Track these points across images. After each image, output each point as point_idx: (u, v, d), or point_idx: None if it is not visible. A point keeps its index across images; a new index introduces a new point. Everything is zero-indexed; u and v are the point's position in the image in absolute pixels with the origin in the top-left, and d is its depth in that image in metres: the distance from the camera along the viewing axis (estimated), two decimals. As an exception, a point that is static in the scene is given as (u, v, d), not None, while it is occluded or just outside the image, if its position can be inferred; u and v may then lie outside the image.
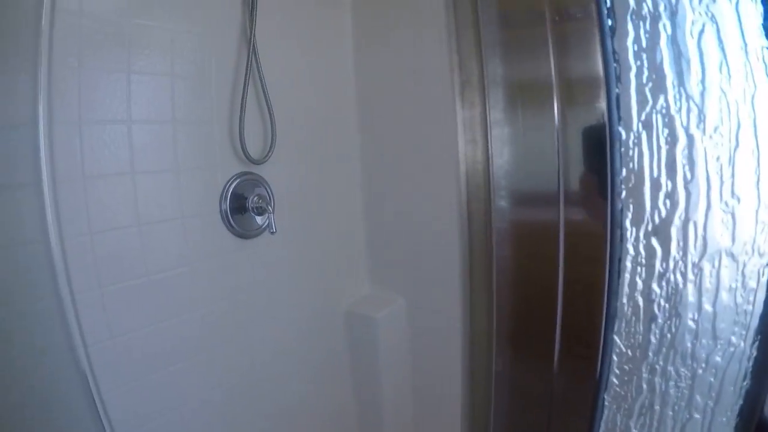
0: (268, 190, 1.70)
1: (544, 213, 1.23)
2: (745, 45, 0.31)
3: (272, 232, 1.58)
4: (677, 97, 0.33)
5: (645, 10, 0.32)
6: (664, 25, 0.32)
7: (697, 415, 0.37)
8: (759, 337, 0.36)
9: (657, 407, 0.40)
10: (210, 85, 1.52)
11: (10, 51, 1.07)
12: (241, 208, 1.61)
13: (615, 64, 0.34)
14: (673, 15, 0.32)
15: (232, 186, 1.58)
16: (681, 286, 0.36)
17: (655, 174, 0.34)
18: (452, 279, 1.89)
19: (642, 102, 0.33)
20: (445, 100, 1.77)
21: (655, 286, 0.37)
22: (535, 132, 1.32)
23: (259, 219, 1.67)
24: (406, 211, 2.03)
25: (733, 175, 0.33)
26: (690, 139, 0.33)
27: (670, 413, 0.40)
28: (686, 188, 0.33)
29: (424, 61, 1.85)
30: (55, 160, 1.17)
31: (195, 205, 1.50)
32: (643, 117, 0.33)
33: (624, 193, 0.35)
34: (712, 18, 0.30)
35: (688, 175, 0.33)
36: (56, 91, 1.17)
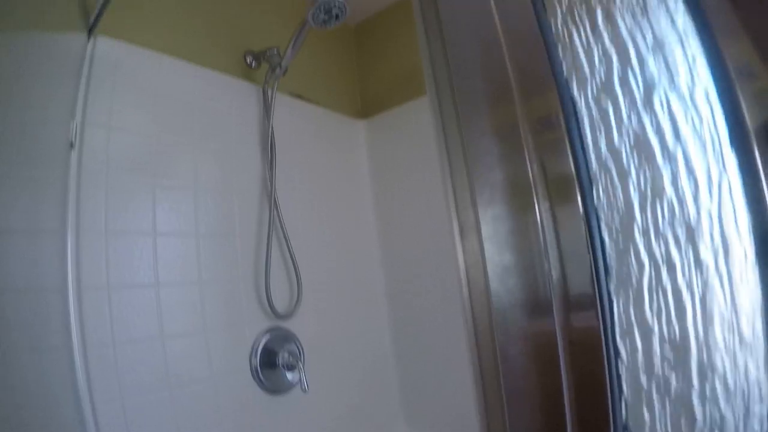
0: (298, 345, 1.65)
1: (540, 324, 1.19)
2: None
3: (304, 391, 1.49)
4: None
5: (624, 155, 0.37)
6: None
7: None
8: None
9: None
10: (234, 242, 1.56)
11: (39, 170, 1.08)
12: (272, 363, 1.55)
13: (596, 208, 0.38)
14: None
15: (262, 342, 1.54)
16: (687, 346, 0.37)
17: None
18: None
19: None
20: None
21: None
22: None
23: (289, 375, 1.59)
24: (435, 345, 1.96)
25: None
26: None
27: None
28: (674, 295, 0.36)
29: (432, 197, 1.94)
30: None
31: (225, 362, 1.45)
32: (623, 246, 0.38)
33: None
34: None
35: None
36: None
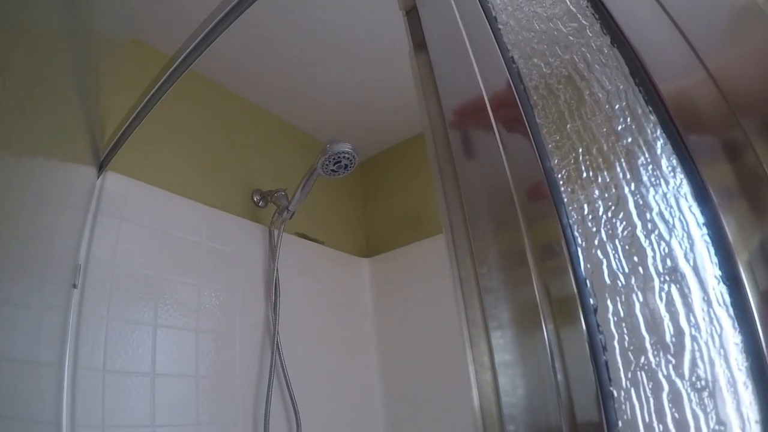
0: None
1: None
2: (707, 295, 0.37)
3: None
4: (655, 353, 0.39)
5: (619, 285, 0.39)
6: (637, 294, 0.40)
7: None
8: None
9: None
10: (235, 385, 1.51)
11: (42, 300, 1.06)
12: None
13: (600, 336, 0.40)
14: (645, 283, 0.38)
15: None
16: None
17: (647, 419, 0.37)
18: None
19: (626, 363, 0.39)
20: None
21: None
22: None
23: None
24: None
25: (715, 406, 0.36)
26: (672, 384, 0.37)
27: None
28: (676, 427, 0.36)
29: (435, 336, 1.90)
30: None
31: None
32: (629, 375, 0.38)
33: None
34: (675, 279, 0.37)
35: (676, 415, 0.36)
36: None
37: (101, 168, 1.32)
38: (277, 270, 1.72)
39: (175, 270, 1.47)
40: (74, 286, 1.21)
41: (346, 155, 1.52)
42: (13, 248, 0.82)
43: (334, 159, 1.53)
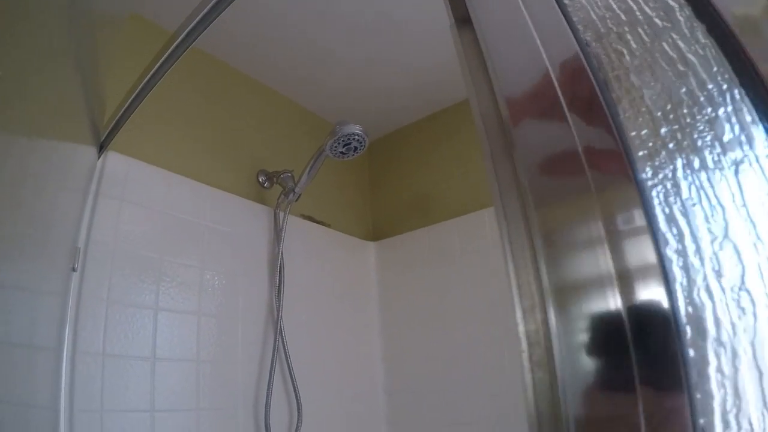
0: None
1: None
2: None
3: None
4: (761, 418, 0.33)
5: (725, 337, 0.33)
6: (744, 348, 0.34)
7: None
8: None
9: None
10: (236, 370, 1.49)
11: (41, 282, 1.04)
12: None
13: (698, 395, 0.34)
14: (755, 335, 0.32)
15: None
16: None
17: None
18: None
19: (726, 428, 0.33)
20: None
21: None
22: None
23: None
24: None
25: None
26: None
27: None
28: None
29: (439, 323, 1.87)
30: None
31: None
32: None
33: None
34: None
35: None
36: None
37: (102, 148, 1.29)
38: (282, 253, 1.69)
39: (177, 252, 1.44)
40: (73, 269, 1.18)
41: (356, 137, 1.48)
42: (9, 230, 0.80)
43: (343, 141, 1.49)
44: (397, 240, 2.20)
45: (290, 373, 1.59)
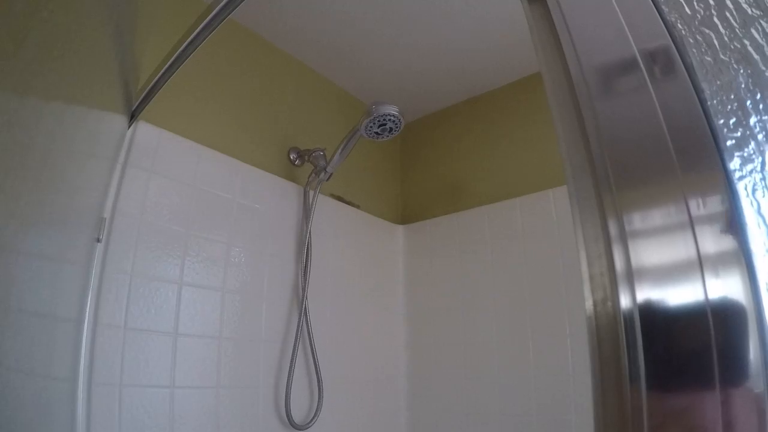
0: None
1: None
2: None
3: None
4: None
5: None
6: None
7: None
8: None
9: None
10: (258, 349, 1.48)
11: (64, 251, 1.03)
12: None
13: None
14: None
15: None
16: None
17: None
18: None
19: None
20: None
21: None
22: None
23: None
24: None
25: None
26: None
27: None
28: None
29: (464, 311, 1.82)
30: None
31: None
32: None
33: None
34: None
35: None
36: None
37: (133, 117, 1.26)
38: (310, 232, 1.66)
39: (204, 227, 1.42)
40: (98, 240, 1.16)
41: (392, 118, 1.43)
42: (36, 197, 0.77)
43: (379, 121, 1.44)
44: (426, 224, 2.16)
45: (313, 355, 1.56)
